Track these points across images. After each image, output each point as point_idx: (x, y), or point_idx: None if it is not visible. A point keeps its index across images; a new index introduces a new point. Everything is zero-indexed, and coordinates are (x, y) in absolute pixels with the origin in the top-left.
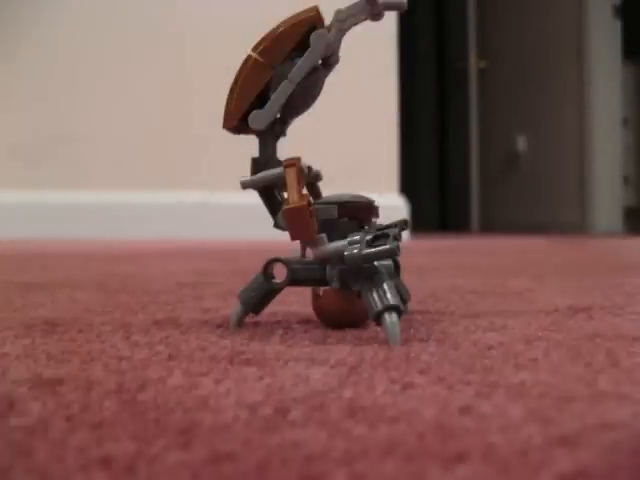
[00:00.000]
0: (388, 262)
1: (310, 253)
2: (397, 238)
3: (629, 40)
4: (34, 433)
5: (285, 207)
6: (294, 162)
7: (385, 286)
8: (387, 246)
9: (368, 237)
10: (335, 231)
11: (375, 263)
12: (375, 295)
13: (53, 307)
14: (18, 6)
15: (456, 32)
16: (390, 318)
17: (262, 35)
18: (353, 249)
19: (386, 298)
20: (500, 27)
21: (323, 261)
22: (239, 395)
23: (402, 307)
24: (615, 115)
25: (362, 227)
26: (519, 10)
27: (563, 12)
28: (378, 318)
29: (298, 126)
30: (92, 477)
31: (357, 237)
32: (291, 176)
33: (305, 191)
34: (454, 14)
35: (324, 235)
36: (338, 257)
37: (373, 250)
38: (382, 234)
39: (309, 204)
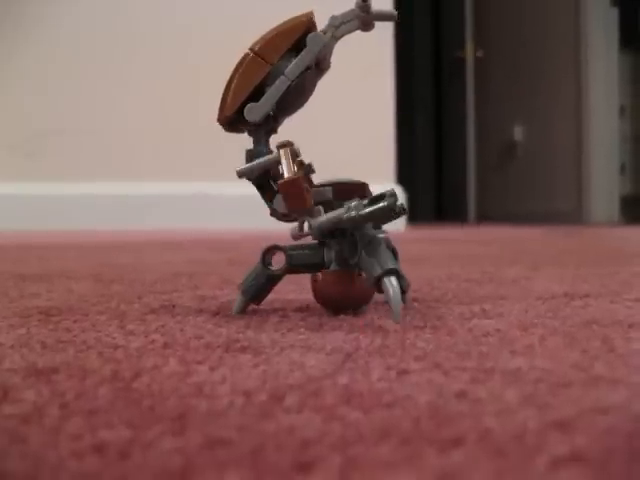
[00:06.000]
0: (386, 235)
1: (308, 229)
2: (394, 201)
3: (626, 28)
4: (28, 421)
5: (280, 181)
6: (287, 143)
7: (383, 253)
8: (384, 203)
9: (364, 202)
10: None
11: (372, 232)
12: (374, 261)
13: (49, 297)
14: (20, 3)
15: (453, 21)
16: (389, 281)
17: (261, 34)
18: (351, 212)
19: (385, 262)
20: (497, 16)
21: (321, 235)
22: (234, 382)
23: (401, 272)
24: (612, 104)
25: None
26: None
27: (560, 1)
28: (378, 283)
29: (295, 116)
30: (86, 463)
31: (353, 203)
32: (285, 156)
33: (296, 168)
34: (451, 2)
35: (320, 207)
36: (335, 223)
37: (370, 209)
38: (377, 196)
39: (306, 180)
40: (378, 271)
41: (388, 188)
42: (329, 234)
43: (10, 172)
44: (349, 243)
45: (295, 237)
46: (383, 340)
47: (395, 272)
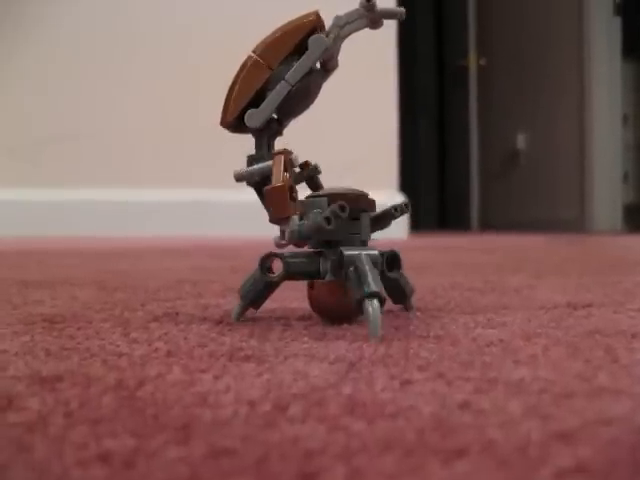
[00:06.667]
0: (374, 252)
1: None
2: (337, 214)
3: (629, 37)
4: (33, 429)
5: (266, 188)
6: (282, 152)
7: (367, 273)
8: (310, 222)
9: (324, 215)
10: None
11: (356, 252)
12: (356, 283)
13: (52, 304)
14: (20, 3)
15: (456, 29)
16: (371, 305)
17: (264, 37)
18: (294, 227)
19: (367, 285)
20: (500, 24)
21: (295, 244)
22: (238, 391)
23: (383, 294)
24: (615, 112)
25: (354, 219)
26: (519, 7)
27: (563, 9)
28: (359, 306)
29: (298, 123)
30: (91, 473)
31: (311, 214)
32: (278, 163)
33: (287, 176)
34: (454, 11)
35: (296, 217)
36: (293, 235)
37: (298, 225)
38: (330, 211)
39: (291, 189)
40: (359, 294)
41: (398, 199)
42: (326, 244)
43: (11, 178)
44: (336, 260)
45: (278, 245)
46: (386, 349)
47: (376, 295)
